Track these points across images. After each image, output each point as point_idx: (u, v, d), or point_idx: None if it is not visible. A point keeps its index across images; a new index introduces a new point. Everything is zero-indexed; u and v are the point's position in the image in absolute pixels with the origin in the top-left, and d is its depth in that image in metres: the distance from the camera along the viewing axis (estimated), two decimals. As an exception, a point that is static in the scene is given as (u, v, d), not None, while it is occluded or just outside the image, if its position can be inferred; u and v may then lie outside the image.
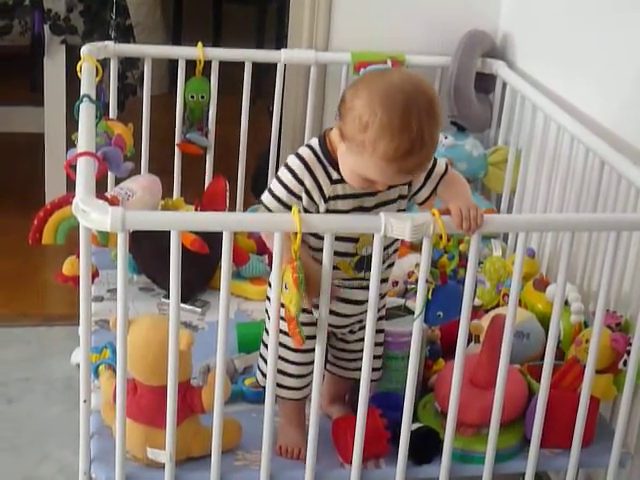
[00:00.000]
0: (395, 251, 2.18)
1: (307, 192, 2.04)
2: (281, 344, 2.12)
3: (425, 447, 2.22)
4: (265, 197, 2.07)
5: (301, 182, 2.03)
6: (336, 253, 2.02)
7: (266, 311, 2.21)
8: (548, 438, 2.26)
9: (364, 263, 2.10)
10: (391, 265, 2.20)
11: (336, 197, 2.05)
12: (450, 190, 2.11)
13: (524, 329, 2.51)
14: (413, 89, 1.91)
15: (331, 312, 2.07)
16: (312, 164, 2.04)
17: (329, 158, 2.04)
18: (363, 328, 2.13)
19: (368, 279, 2.07)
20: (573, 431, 2.24)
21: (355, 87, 1.95)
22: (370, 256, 2.06)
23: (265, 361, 2.17)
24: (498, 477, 2.27)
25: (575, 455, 2.26)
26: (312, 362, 2.12)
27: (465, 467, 2.25)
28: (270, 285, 2.16)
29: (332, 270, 2.01)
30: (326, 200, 2.05)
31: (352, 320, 2.20)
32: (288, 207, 2.02)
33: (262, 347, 2.24)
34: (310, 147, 2.06)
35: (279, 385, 2.16)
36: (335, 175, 2.04)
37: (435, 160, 2.11)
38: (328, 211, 2.05)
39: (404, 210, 2.12)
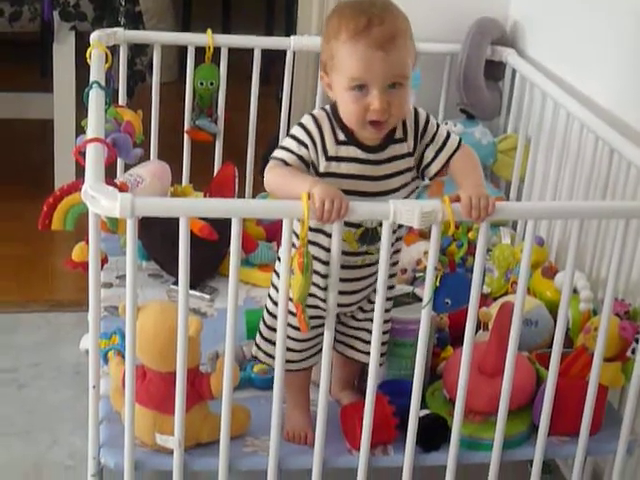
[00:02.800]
0: (398, 239, 2.19)
1: (313, 143, 2.06)
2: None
3: (433, 434, 2.23)
4: (276, 151, 2.09)
5: (309, 133, 2.07)
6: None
7: (269, 296, 2.23)
8: (556, 425, 2.26)
9: (368, 236, 2.11)
10: (397, 251, 2.21)
11: (339, 159, 2.07)
12: (462, 170, 2.12)
13: (532, 317, 2.51)
14: None
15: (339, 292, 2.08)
16: (321, 119, 2.09)
17: (338, 120, 2.07)
18: (372, 306, 2.15)
19: (372, 253, 2.10)
20: (581, 419, 2.24)
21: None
22: (374, 229, 2.09)
23: (262, 336, 2.23)
24: (506, 464, 2.27)
25: (583, 442, 2.26)
26: (313, 338, 2.18)
27: (473, 454, 2.25)
28: (276, 272, 2.17)
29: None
30: (327, 158, 2.06)
31: (359, 297, 2.20)
32: (299, 157, 2.05)
33: (261, 321, 2.25)
34: (322, 108, 2.12)
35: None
36: (342, 136, 2.07)
37: (448, 134, 2.15)
38: (329, 173, 2.05)
39: (411, 182, 2.13)
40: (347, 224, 2.05)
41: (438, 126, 2.16)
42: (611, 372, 2.28)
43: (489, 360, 2.24)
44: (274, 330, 2.15)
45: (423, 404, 2.20)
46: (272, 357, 2.18)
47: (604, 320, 2.17)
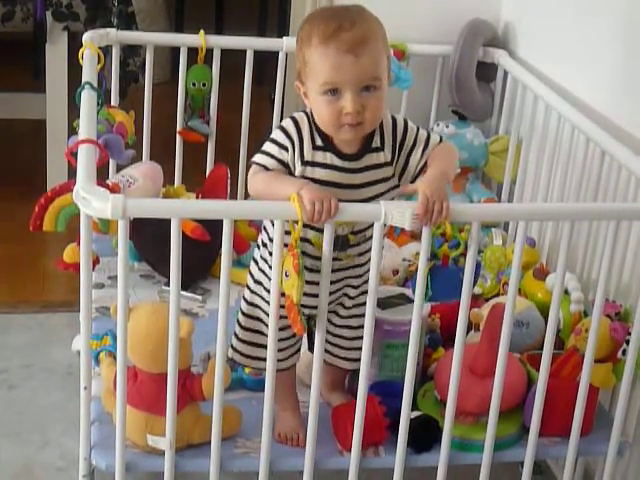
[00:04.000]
0: (371, 237, 2.18)
1: (292, 145, 2.07)
2: (261, 321, 2.18)
3: (424, 435, 2.23)
4: (257, 156, 2.09)
5: (289, 135, 2.07)
6: (312, 227, 2.04)
7: (243, 297, 2.24)
8: (547, 426, 2.26)
9: (338, 243, 2.10)
10: (369, 250, 2.19)
11: (314, 164, 2.07)
12: (432, 160, 2.11)
13: (524, 318, 2.51)
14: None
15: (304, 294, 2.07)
16: (301, 122, 2.09)
17: (317, 125, 2.08)
18: (350, 312, 2.20)
19: (341, 259, 2.12)
20: (572, 420, 2.24)
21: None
22: (345, 237, 2.10)
23: (238, 338, 2.24)
24: (497, 465, 2.28)
25: (574, 443, 2.26)
26: (290, 337, 2.19)
27: (464, 455, 2.26)
28: (251, 276, 2.20)
29: (305, 243, 2.06)
30: (303, 162, 2.07)
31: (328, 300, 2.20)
32: (279, 161, 2.06)
33: (236, 323, 2.25)
34: (304, 111, 2.12)
35: (259, 358, 2.19)
36: (319, 142, 2.08)
37: (429, 134, 2.15)
38: (303, 178, 2.05)
39: (388, 192, 2.13)
40: (317, 229, 2.05)
41: (418, 128, 2.16)
42: (602, 373, 2.28)
43: (480, 361, 2.25)
44: (252, 331, 2.19)
45: (414, 405, 2.21)
46: (250, 357, 2.20)
47: (595, 321, 2.17)
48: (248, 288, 2.23)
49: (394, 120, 2.14)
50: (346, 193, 2.07)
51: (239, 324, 2.25)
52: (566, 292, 2.51)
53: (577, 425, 2.25)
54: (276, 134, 2.09)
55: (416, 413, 2.24)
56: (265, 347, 2.09)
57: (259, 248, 2.21)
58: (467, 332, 2.16)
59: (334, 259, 2.10)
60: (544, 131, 2.94)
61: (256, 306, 2.21)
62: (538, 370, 2.21)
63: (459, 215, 2.00)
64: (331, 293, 2.17)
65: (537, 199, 2.96)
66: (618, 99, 2.67)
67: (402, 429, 2.15)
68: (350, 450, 2.15)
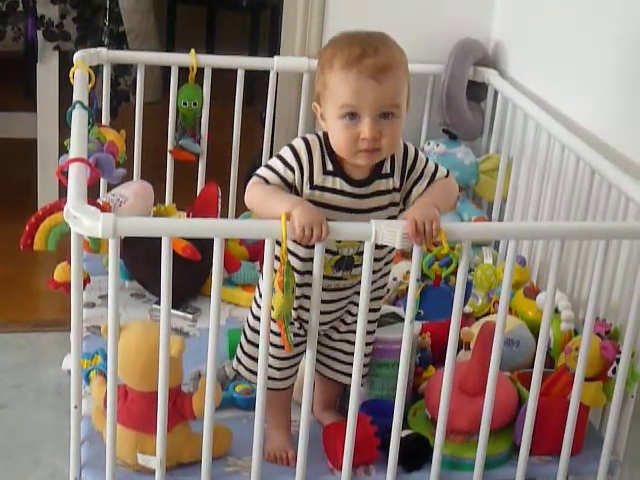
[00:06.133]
0: (388, 263, 2.20)
1: (300, 168, 2.07)
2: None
3: (415, 454, 2.23)
4: (261, 169, 2.09)
5: (298, 158, 2.07)
6: (307, 246, 2.04)
7: (251, 311, 2.24)
8: (538, 445, 2.26)
9: (343, 263, 2.11)
10: (386, 274, 2.21)
11: (324, 189, 2.07)
12: (425, 193, 2.13)
13: (514, 337, 2.51)
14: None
15: (305, 309, 2.09)
16: (313, 145, 2.09)
17: (329, 149, 2.08)
18: (349, 327, 2.19)
19: (346, 279, 2.12)
20: (562, 438, 2.24)
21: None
22: (350, 257, 2.10)
23: (243, 351, 2.24)
24: (488, 484, 2.28)
25: (564, 462, 2.26)
26: (293, 357, 2.19)
27: (455, 474, 2.25)
28: (259, 290, 2.18)
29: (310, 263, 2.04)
30: (312, 187, 2.07)
31: (330, 318, 2.20)
32: (283, 179, 2.06)
33: (242, 336, 2.25)
34: (316, 134, 2.12)
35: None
36: (330, 167, 2.08)
37: (436, 167, 2.17)
38: (311, 202, 2.04)
39: (395, 217, 2.13)
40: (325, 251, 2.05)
41: (427, 160, 2.17)
42: (592, 392, 2.28)
43: (471, 380, 2.25)
44: (255, 345, 2.15)
45: (405, 424, 2.21)
46: (253, 372, 2.19)
47: (585, 340, 2.18)
48: (256, 302, 2.22)
49: (405, 147, 2.15)
50: (352, 217, 2.08)
51: (245, 337, 2.25)
52: (556, 311, 2.52)
53: (567, 444, 2.25)
54: (285, 152, 2.09)
55: (407, 432, 2.24)
56: (269, 366, 2.10)
57: None
58: (458, 351, 2.16)
59: (339, 278, 2.12)
60: (534, 150, 2.95)
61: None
62: (528, 389, 2.21)
63: (450, 234, 2.01)
64: (334, 311, 2.19)
65: (527, 218, 2.97)
66: (607, 118, 2.69)
67: (393, 448, 2.14)
68: (341, 469, 2.15)
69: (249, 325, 2.24)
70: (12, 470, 2.75)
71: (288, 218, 1.93)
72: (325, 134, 2.10)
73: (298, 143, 2.10)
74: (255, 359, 2.15)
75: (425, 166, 2.15)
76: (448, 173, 2.18)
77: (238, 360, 2.27)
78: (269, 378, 2.13)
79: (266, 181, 2.06)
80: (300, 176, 2.07)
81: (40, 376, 3.16)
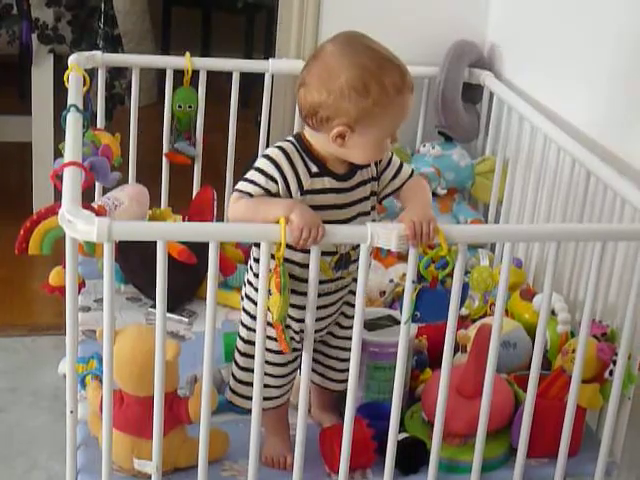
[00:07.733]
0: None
1: (284, 180, 2.04)
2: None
3: (412, 457, 2.23)
4: (241, 184, 2.06)
5: (279, 168, 2.04)
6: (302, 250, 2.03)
7: (241, 324, 2.21)
8: (534, 448, 2.26)
9: (342, 261, 2.12)
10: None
11: (314, 191, 2.06)
12: (411, 195, 2.15)
13: (511, 339, 2.51)
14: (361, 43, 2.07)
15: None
16: (292, 154, 2.06)
17: (309, 153, 2.07)
18: (345, 333, 2.20)
19: (344, 277, 2.13)
20: (560, 440, 2.24)
21: (320, 81, 2.00)
22: (347, 253, 2.11)
23: (235, 378, 2.21)
24: (485, 487, 2.27)
25: (561, 464, 2.26)
26: (290, 373, 2.19)
27: (452, 477, 2.25)
28: (245, 295, 2.18)
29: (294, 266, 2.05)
30: (303, 192, 2.05)
31: (328, 322, 2.20)
32: (266, 190, 2.04)
33: (234, 364, 2.22)
34: (289, 141, 2.09)
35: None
36: (314, 168, 2.07)
37: (401, 163, 2.19)
38: None
39: (371, 210, 2.15)
40: (323, 253, 2.04)
41: (392, 154, 2.19)
42: (589, 394, 2.28)
43: (467, 382, 2.24)
44: (250, 371, 2.11)
45: (402, 427, 2.20)
46: (250, 399, 2.11)
47: (582, 342, 2.17)
48: (244, 326, 2.19)
49: None
50: (343, 212, 2.09)
51: (237, 365, 2.21)
52: (553, 313, 2.51)
53: (564, 446, 2.24)
54: (263, 164, 2.05)
55: (403, 435, 2.23)
56: (266, 385, 2.09)
57: (248, 283, 2.20)
58: (454, 353, 2.16)
59: (336, 279, 2.13)
60: (530, 152, 2.95)
61: (254, 344, 2.08)
62: (525, 391, 2.21)
63: (446, 236, 2.00)
64: (332, 314, 2.19)
65: (523, 220, 2.97)
66: (603, 119, 2.68)
67: (390, 451, 2.14)
68: (338, 472, 2.14)
69: (240, 352, 2.20)
70: (8, 474, 2.74)
71: (287, 221, 1.92)
72: (298, 137, 2.09)
73: (275, 153, 2.06)
74: (250, 384, 2.09)
75: (391, 158, 2.18)
76: (412, 171, 2.21)
77: (232, 391, 2.23)
78: (268, 399, 2.13)
79: (250, 195, 2.04)
80: (285, 186, 2.04)
81: (36, 380, 3.15)
